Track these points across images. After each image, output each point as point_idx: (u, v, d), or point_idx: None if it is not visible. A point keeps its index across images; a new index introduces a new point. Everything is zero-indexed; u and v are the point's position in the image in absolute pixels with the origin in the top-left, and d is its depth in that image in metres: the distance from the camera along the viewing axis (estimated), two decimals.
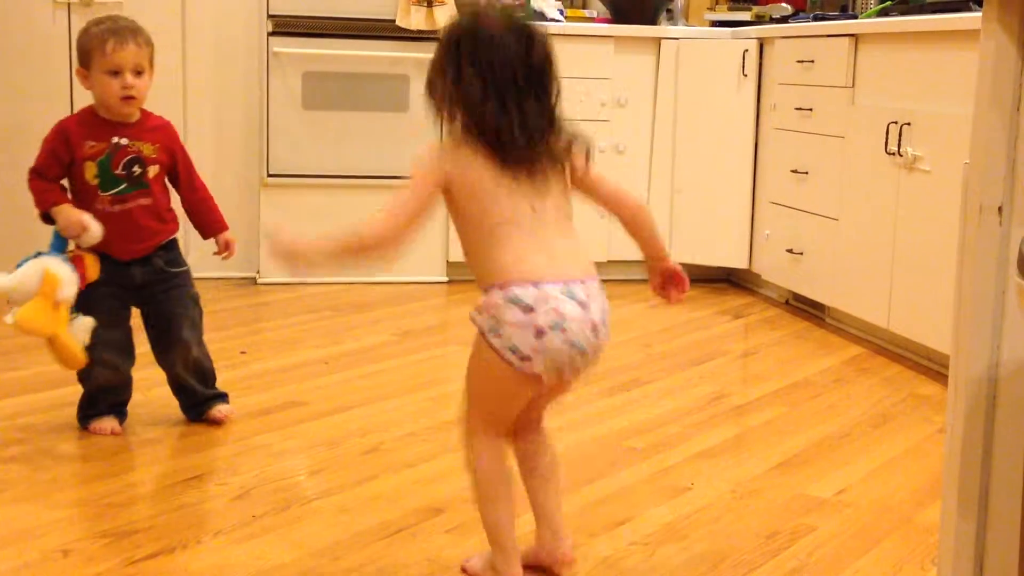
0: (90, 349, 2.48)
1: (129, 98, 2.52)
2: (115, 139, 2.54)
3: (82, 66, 2.54)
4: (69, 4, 4.33)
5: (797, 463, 2.59)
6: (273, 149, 4.39)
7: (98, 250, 2.53)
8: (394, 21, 4.38)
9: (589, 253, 1.86)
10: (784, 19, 4.55)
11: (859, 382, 3.29)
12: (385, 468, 2.48)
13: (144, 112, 2.61)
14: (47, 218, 2.55)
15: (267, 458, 2.55)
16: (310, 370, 3.26)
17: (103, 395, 2.66)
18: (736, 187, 4.48)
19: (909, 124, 3.36)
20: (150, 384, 3.03)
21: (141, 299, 2.63)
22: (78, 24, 4.30)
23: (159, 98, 4.60)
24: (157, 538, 2.09)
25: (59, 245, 2.49)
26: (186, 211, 2.70)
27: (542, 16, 4.67)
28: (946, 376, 1.51)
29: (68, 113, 4.31)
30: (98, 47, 2.50)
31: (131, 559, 2.00)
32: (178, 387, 2.72)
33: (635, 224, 1.95)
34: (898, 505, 2.35)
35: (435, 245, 4.57)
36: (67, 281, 2.41)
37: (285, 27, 4.37)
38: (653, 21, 4.73)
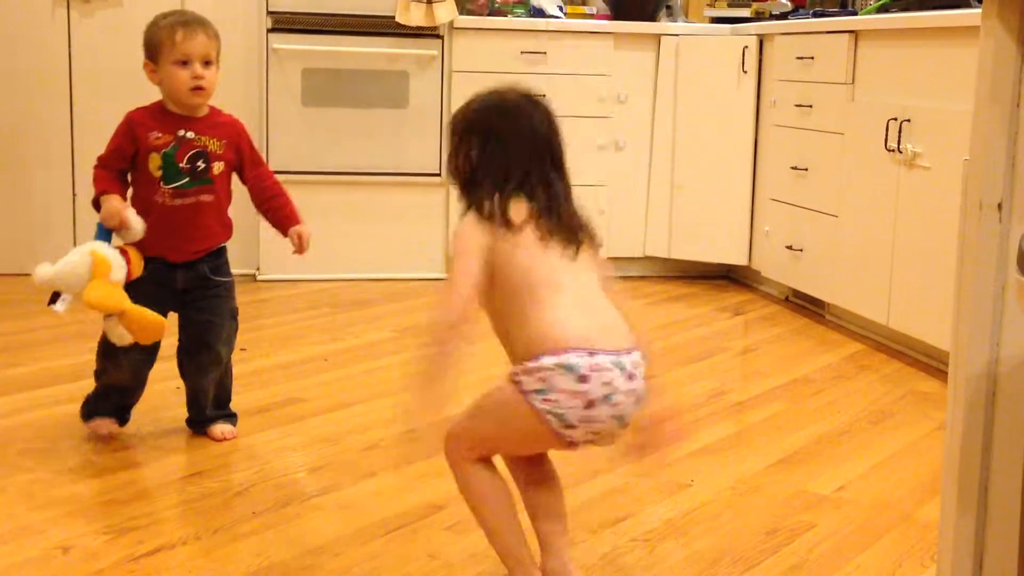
0: (113, 349, 2.46)
1: (198, 88, 2.47)
2: (181, 132, 2.48)
3: (149, 59, 2.49)
4: (68, 1, 4.32)
5: (797, 460, 2.59)
6: (273, 146, 4.39)
7: (152, 249, 2.49)
8: (394, 17, 4.37)
9: (625, 323, 1.80)
10: (784, 15, 4.55)
11: (859, 379, 3.29)
12: (385, 465, 2.49)
13: (212, 108, 2.57)
14: (97, 205, 2.49)
15: (267, 455, 2.55)
16: (310, 367, 3.26)
17: (113, 395, 2.62)
18: (736, 184, 4.48)
19: (909, 120, 3.36)
20: (151, 380, 3.03)
21: (180, 303, 2.56)
22: (77, 21, 4.31)
23: (159, 95, 4.63)
24: (158, 534, 2.09)
25: (102, 237, 2.45)
26: (259, 209, 2.62)
27: (542, 13, 4.67)
28: (946, 372, 1.51)
29: (67, 111, 4.36)
30: (167, 38, 2.45)
31: (132, 555, 2.00)
32: (192, 399, 2.66)
33: None
34: (898, 501, 2.35)
35: (435, 242, 4.57)
36: (117, 264, 2.37)
37: (285, 24, 4.37)
38: (653, 17, 4.73)
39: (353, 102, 4.46)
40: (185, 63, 2.45)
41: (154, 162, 2.47)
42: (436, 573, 1.97)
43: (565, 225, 1.79)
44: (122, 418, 2.64)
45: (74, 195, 4.37)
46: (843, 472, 2.52)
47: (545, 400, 1.67)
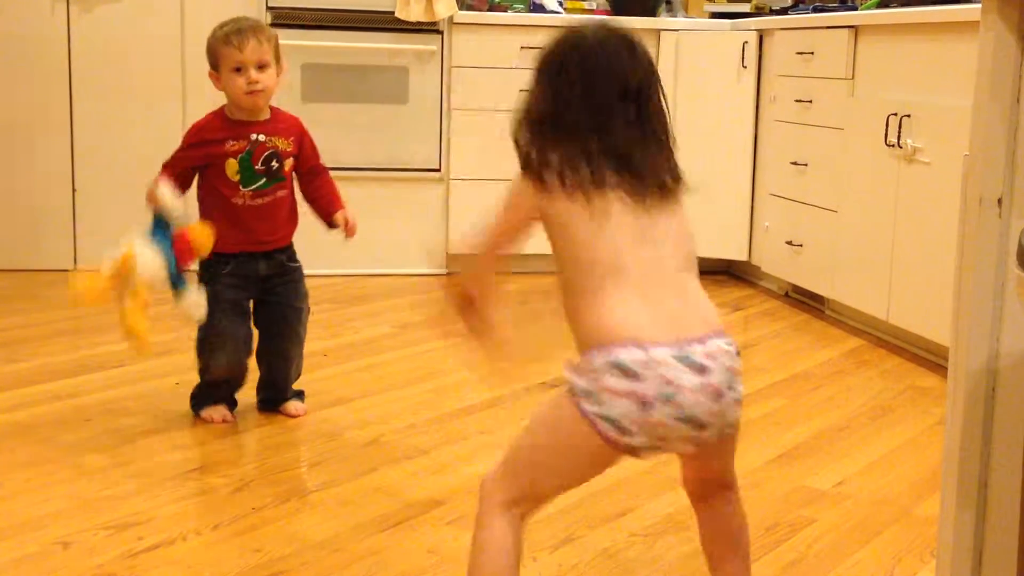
0: (213, 343, 2.63)
1: (255, 92, 2.59)
2: (254, 136, 2.62)
3: (213, 68, 2.63)
4: None
5: (796, 455, 2.59)
6: None
7: (237, 246, 2.60)
8: (393, 12, 4.37)
9: (710, 305, 1.59)
10: (784, 11, 4.54)
11: (858, 374, 3.29)
12: (385, 460, 2.49)
13: (274, 109, 2.70)
14: None
15: (267, 450, 2.55)
16: (310, 362, 3.24)
17: (219, 386, 2.72)
18: (736, 179, 4.48)
19: (909, 116, 3.36)
20: (150, 376, 3.04)
21: (262, 291, 2.70)
22: (77, 18, 4.31)
23: (159, 91, 4.61)
24: (157, 530, 2.09)
25: (158, 227, 2.46)
26: (307, 198, 2.76)
27: (542, 8, 4.66)
28: (945, 368, 1.51)
29: (66, 108, 4.35)
30: (223, 47, 2.58)
31: (131, 551, 2.00)
32: (269, 381, 2.78)
33: None
34: (897, 497, 2.35)
35: (435, 237, 4.57)
36: (143, 266, 2.37)
37: (284, 19, 4.37)
38: (653, 13, 4.72)
39: (353, 97, 4.45)
40: (239, 69, 2.58)
41: (231, 167, 2.60)
42: (436, 569, 1.97)
43: (649, 182, 1.56)
44: (232, 404, 2.75)
45: (74, 191, 4.36)
46: (843, 467, 2.52)
47: (593, 403, 1.46)
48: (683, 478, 1.71)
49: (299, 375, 2.82)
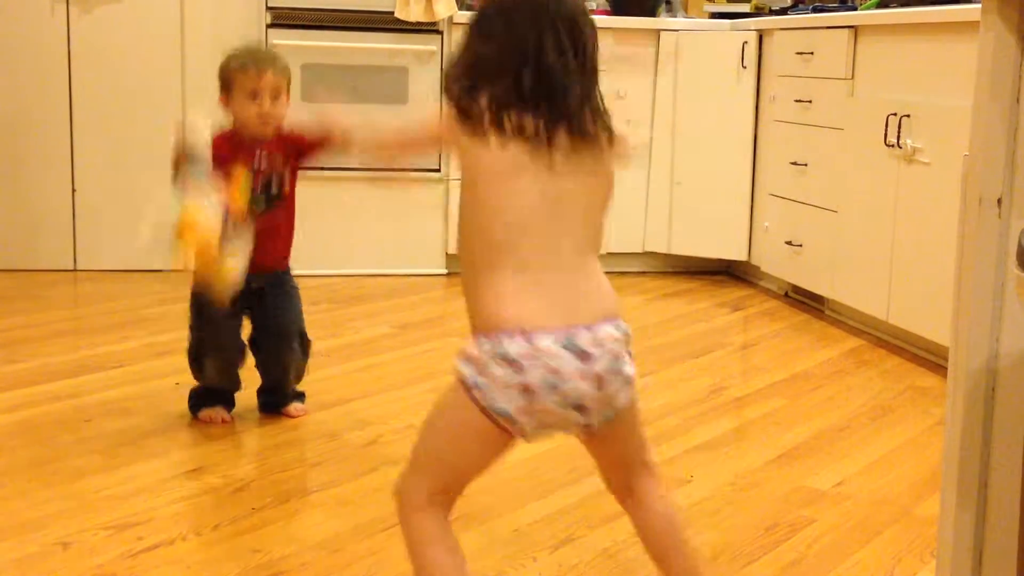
0: (203, 354, 2.65)
1: (267, 122, 2.60)
2: (255, 158, 2.61)
3: (224, 93, 2.63)
4: None
5: (796, 455, 2.59)
6: None
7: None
8: (393, 13, 4.37)
9: (605, 288, 1.58)
10: (783, 11, 4.54)
11: (858, 374, 3.29)
12: (385, 460, 2.48)
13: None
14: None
15: (266, 451, 2.55)
16: (309, 362, 3.25)
17: (215, 390, 2.73)
18: (735, 179, 4.48)
19: (908, 116, 3.36)
20: (149, 376, 3.04)
21: (254, 302, 2.67)
22: (76, 18, 4.30)
23: (158, 91, 4.61)
24: (157, 530, 2.09)
25: (197, 166, 2.42)
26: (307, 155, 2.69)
27: None
28: (945, 368, 1.51)
29: (66, 108, 4.35)
30: (239, 75, 2.59)
31: (131, 551, 2.00)
32: (272, 387, 2.78)
33: None
34: (897, 497, 2.35)
35: (434, 237, 4.57)
36: (203, 224, 2.33)
37: (284, 19, 4.37)
38: (652, 13, 4.72)
39: (352, 98, 4.45)
40: (255, 96, 2.59)
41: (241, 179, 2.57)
42: None
43: (573, 126, 1.52)
44: (229, 405, 2.75)
45: (73, 191, 4.36)
46: (842, 468, 2.52)
47: (479, 391, 1.49)
48: (602, 474, 1.72)
49: (300, 379, 2.82)
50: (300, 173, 2.71)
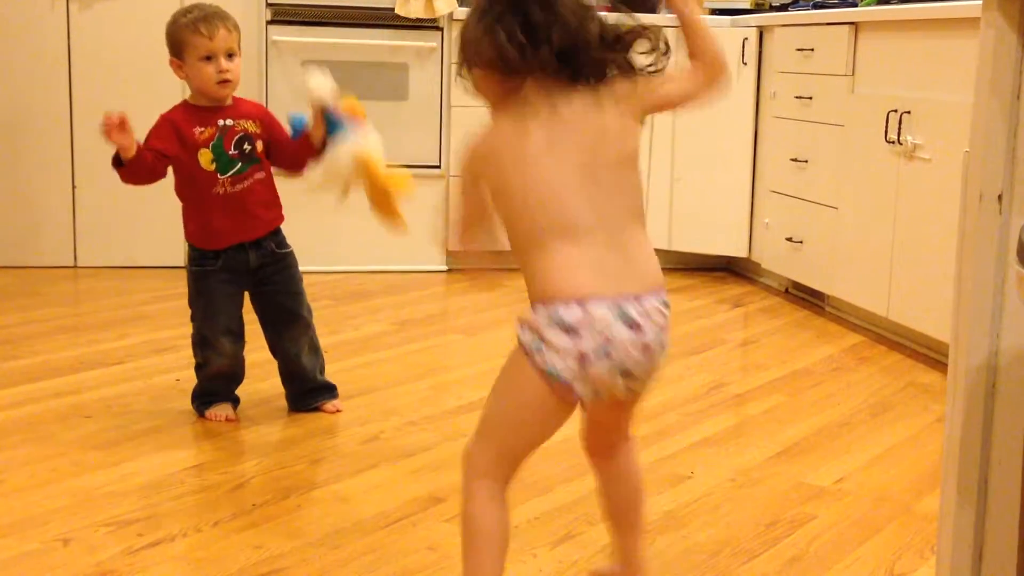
0: (209, 338, 2.64)
1: (225, 81, 2.58)
2: (221, 121, 2.60)
3: (175, 56, 2.60)
4: None
5: (797, 452, 2.60)
6: None
7: (227, 240, 2.61)
8: (393, 9, 4.37)
9: (652, 260, 1.62)
10: (784, 7, 4.54)
11: (858, 371, 3.29)
12: (385, 457, 2.49)
13: (235, 98, 2.68)
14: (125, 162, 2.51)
15: (267, 447, 2.55)
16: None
17: (219, 383, 2.72)
18: (736, 176, 4.48)
19: (909, 112, 3.36)
20: (151, 373, 3.04)
21: (255, 282, 2.69)
22: (76, 13, 4.30)
23: (158, 87, 4.62)
24: (157, 527, 2.09)
25: (335, 128, 2.51)
26: (283, 166, 2.70)
27: None
28: (945, 364, 1.51)
29: (66, 105, 4.35)
30: (190, 36, 2.56)
31: (132, 548, 2.00)
32: (290, 373, 2.77)
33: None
34: (897, 493, 2.35)
35: (434, 234, 4.56)
36: (374, 158, 2.47)
37: (284, 15, 4.36)
38: (653, 9, 4.72)
39: (353, 94, 4.44)
40: (210, 58, 2.56)
41: (205, 157, 2.58)
42: (435, 565, 1.97)
43: (579, 86, 1.57)
44: (235, 401, 2.74)
45: (73, 188, 4.36)
46: (843, 464, 2.52)
47: (540, 355, 1.54)
48: (588, 435, 1.78)
49: (323, 364, 2.81)
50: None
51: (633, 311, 1.54)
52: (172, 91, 4.42)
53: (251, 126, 2.64)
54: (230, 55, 2.58)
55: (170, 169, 2.60)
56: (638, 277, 1.57)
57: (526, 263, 1.57)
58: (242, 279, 2.67)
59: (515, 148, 1.57)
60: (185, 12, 2.60)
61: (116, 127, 2.44)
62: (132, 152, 2.46)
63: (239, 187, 2.61)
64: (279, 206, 2.72)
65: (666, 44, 1.63)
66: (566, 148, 1.56)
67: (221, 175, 2.59)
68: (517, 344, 1.57)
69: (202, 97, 2.61)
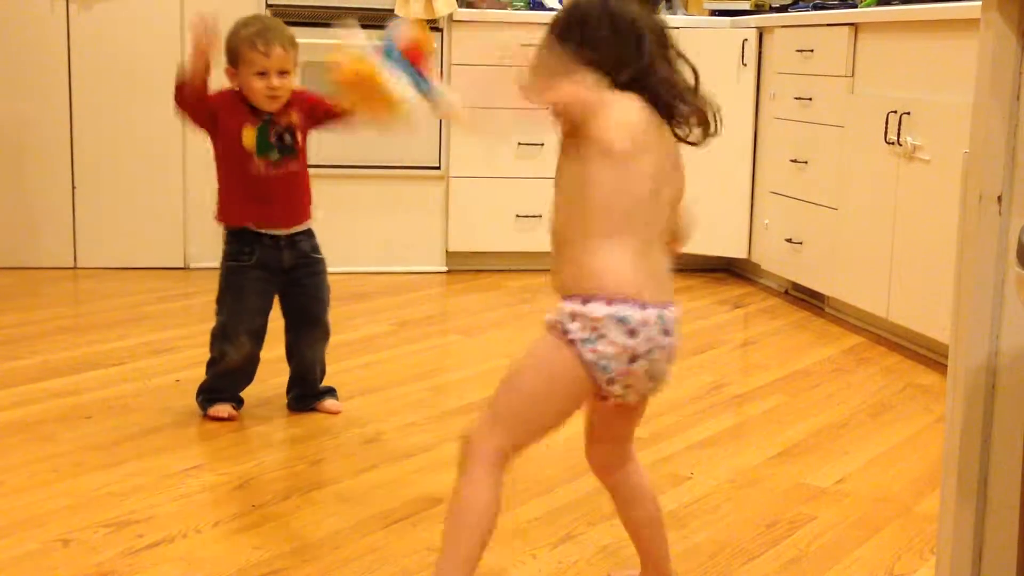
0: (231, 333, 2.65)
1: (275, 97, 2.61)
2: (266, 116, 2.62)
3: (231, 65, 2.63)
4: None
5: (796, 452, 2.60)
6: None
7: (258, 221, 2.63)
8: (393, 10, 4.37)
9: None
10: (783, 8, 4.54)
11: (858, 372, 3.29)
12: (385, 457, 2.49)
13: None
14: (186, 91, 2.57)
15: (267, 448, 2.55)
16: None
17: (228, 380, 2.72)
18: (735, 176, 4.48)
19: (909, 113, 3.36)
20: (151, 373, 3.04)
21: (287, 283, 2.71)
22: (76, 16, 4.30)
23: (158, 89, 4.61)
24: (158, 528, 2.09)
25: (392, 55, 2.42)
26: (337, 123, 2.68)
27: (542, 5, 4.66)
28: (945, 365, 1.51)
29: (66, 105, 4.35)
30: (247, 51, 2.59)
31: (131, 548, 2.00)
32: (300, 378, 2.79)
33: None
34: (897, 494, 2.36)
35: (435, 235, 4.56)
36: (391, 85, 2.34)
37: (284, 17, 4.31)
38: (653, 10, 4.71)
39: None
40: (263, 74, 2.59)
41: (248, 136, 2.61)
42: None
43: (680, 125, 1.71)
44: (239, 401, 2.75)
45: (73, 188, 4.36)
46: (843, 465, 2.52)
47: (593, 350, 1.57)
48: (594, 450, 1.82)
49: (324, 372, 2.83)
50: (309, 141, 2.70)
51: (669, 318, 1.63)
52: (172, 93, 4.43)
53: (295, 117, 2.65)
54: (282, 72, 2.60)
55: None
56: (668, 288, 1.66)
57: (595, 249, 1.60)
58: (275, 279, 2.69)
59: (653, 138, 1.66)
60: (245, 23, 2.64)
61: (204, 33, 2.50)
62: (200, 67, 2.51)
63: (274, 172, 2.63)
64: (309, 203, 2.73)
65: (717, 123, 1.76)
66: (665, 160, 1.68)
67: (257, 155, 2.61)
68: (552, 333, 1.61)
69: (251, 101, 2.63)
